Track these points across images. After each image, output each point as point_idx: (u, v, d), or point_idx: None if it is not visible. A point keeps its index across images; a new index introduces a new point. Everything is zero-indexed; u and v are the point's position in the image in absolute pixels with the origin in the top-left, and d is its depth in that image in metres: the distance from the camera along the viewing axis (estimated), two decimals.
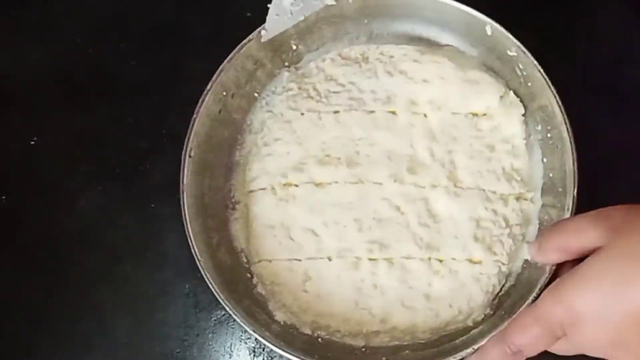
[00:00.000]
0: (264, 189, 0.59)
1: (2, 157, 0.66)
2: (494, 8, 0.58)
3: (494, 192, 0.58)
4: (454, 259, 0.56)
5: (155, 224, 0.63)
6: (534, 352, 0.47)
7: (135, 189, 0.64)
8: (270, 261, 0.57)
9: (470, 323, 0.56)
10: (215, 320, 0.61)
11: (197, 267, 0.61)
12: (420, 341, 0.56)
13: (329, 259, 0.57)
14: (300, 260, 0.57)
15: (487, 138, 0.59)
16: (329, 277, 0.56)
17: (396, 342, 0.56)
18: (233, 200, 0.61)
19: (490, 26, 0.58)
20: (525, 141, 0.60)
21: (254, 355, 0.61)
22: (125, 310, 0.62)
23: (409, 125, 0.60)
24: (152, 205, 0.64)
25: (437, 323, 0.56)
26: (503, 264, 0.56)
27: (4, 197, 0.65)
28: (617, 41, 0.68)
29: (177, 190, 0.63)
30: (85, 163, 0.65)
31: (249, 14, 0.68)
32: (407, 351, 0.55)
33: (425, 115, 0.60)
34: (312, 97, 0.61)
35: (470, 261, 0.56)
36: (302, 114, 0.61)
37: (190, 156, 0.57)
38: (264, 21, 0.58)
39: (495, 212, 0.57)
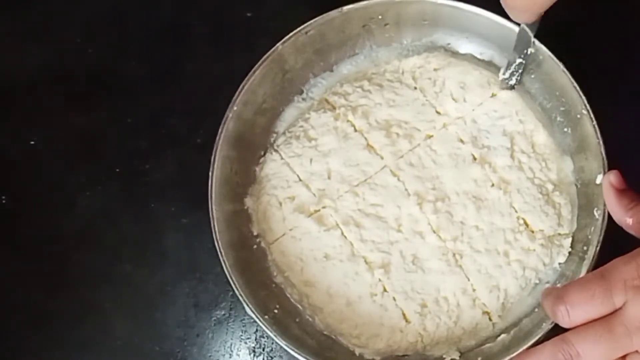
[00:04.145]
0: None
1: (2, 157, 0.66)
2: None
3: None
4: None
5: (155, 224, 0.63)
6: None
7: (135, 189, 0.64)
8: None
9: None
10: (215, 320, 0.61)
11: (197, 267, 0.62)
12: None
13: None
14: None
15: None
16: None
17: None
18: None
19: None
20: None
21: (254, 355, 0.60)
22: (125, 310, 0.62)
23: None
24: (152, 205, 0.64)
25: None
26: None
27: (4, 197, 0.65)
28: None
29: (176, 190, 0.64)
30: (85, 163, 0.65)
31: (249, 14, 0.68)
32: None
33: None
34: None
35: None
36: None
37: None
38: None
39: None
